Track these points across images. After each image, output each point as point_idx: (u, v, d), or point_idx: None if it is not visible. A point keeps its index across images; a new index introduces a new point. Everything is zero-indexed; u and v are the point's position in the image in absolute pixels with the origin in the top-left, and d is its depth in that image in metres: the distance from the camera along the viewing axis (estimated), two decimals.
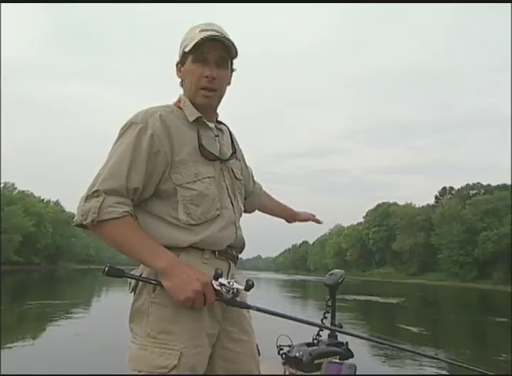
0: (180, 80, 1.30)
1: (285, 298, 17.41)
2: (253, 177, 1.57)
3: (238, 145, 1.43)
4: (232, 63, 1.28)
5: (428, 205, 69.34)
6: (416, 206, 70.51)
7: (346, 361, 1.94)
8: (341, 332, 1.74)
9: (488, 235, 51.57)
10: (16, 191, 56.66)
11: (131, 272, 1.19)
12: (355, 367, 1.80)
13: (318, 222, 1.82)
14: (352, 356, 2.16)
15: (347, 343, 2.24)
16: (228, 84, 1.30)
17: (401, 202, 72.81)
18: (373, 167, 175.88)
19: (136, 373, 1.10)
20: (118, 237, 1.12)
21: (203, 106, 1.25)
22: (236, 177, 1.33)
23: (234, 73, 1.32)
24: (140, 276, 1.18)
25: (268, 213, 1.72)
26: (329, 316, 2.28)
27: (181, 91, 1.30)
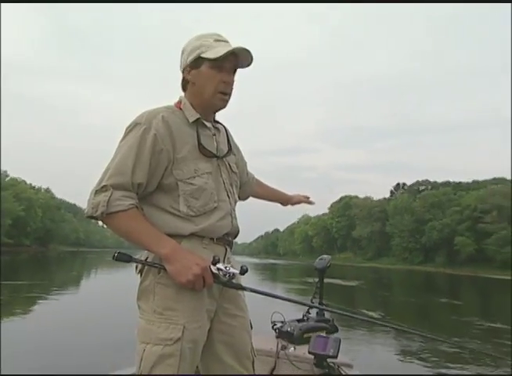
0: (183, 81, 1.28)
1: (257, 281, 17.28)
2: (247, 168, 1.58)
3: (233, 140, 1.44)
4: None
5: (384, 198, 71.45)
6: (374, 199, 72.52)
7: (332, 335, 1.93)
8: (328, 310, 1.73)
9: (434, 225, 53.82)
10: (8, 178, 54.50)
11: (137, 256, 1.21)
12: (340, 340, 1.82)
13: (310, 203, 1.80)
14: (337, 330, 2.16)
15: (333, 320, 2.24)
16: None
17: (361, 195, 74.76)
18: (339, 165, 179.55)
19: (144, 345, 1.12)
20: (125, 227, 1.14)
21: (218, 108, 1.27)
22: (232, 170, 1.35)
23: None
24: (146, 260, 1.19)
25: (261, 199, 1.71)
26: (318, 296, 2.28)
27: (180, 91, 1.29)
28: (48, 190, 70.20)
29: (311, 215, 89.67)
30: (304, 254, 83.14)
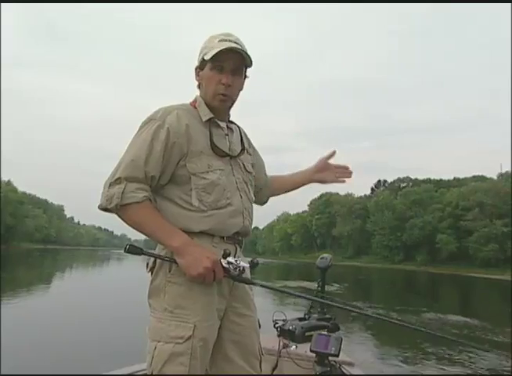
0: (198, 83, 1.34)
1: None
2: (265, 169, 1.58)
3: (249, 141, 1.48)
4: (245, 71, 1.32)
5: (365, 195, 73.02)
6: (355, 196, 73.88)
7: (333, 334, 1.99)
8: (331, 305, 1.79)
9: (415, 222, 55.35)
10: None
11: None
12: (341, 339, 1.87)
13: (333, 154, 1.59)
14: (339, 329, 2.23)
15: (334, 318, 2.32)
16: (241, 89, 1.34)
17: (342, 193, 75.96)
18: None
19: (155, 343, 1.16)
20: (138, 219, 1.18)
21: (218, 108, 1.31)
22: (247, 170, 1.38)
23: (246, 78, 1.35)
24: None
25: (282, 193, 1.66)
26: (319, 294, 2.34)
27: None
28: (8, 183, 67.26)
29: (291, 212, 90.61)
30: (283, 253, 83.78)
